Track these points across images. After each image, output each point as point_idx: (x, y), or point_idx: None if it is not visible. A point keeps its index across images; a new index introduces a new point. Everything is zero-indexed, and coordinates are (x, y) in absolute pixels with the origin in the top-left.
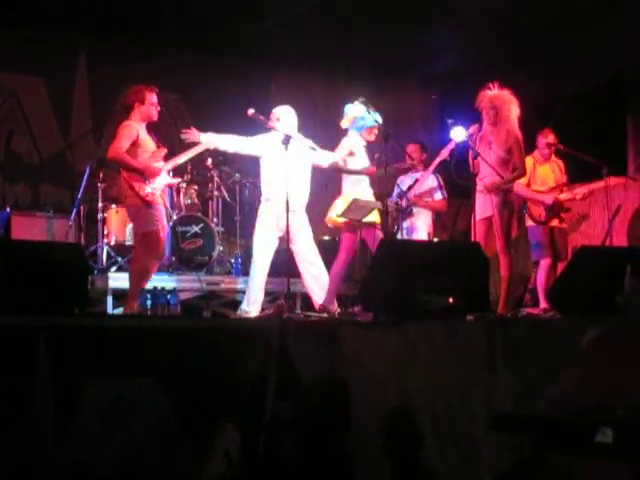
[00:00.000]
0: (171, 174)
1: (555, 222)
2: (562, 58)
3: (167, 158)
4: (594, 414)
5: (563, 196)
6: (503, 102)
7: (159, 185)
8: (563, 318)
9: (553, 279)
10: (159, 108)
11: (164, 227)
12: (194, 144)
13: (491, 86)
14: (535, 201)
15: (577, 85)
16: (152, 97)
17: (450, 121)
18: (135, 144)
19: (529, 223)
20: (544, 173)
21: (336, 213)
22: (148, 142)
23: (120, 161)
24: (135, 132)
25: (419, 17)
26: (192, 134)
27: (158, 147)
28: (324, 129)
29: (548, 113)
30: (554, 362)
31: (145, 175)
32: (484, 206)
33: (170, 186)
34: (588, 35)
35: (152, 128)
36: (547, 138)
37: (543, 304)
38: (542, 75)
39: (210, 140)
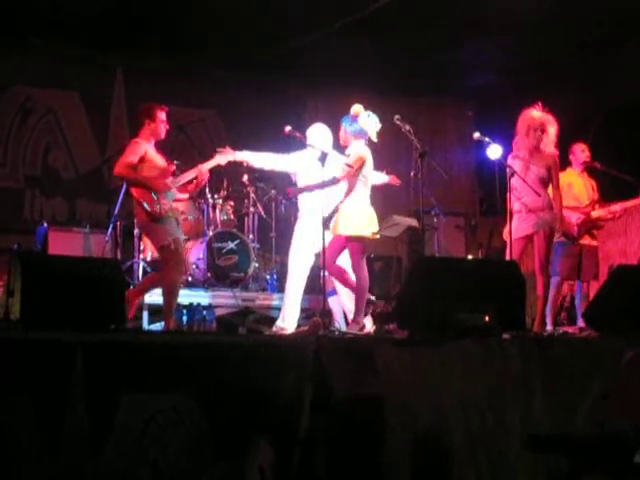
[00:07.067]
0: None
1: (586, 239)
2: (597, 74)
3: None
4: (633, 434)
5: (595, 213)
6: (549, 124)
7: (168, 200)
8: (599, 337)
9: (559, 299)
10: (168, 127)
11: (177, 240)
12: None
13: (536, 106)
14: (566, 217)
15: (612, 102)
16: (162, 115)
17: (486, 139)
18: (143, 160)
19: (560, 238)
20: (578, 189)
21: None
22: (157, 159)
23: (125, 176)
24: (143, 149)
25: (454, 34)
26: (227, 152)
27: (168, 164)
28: None
29: (582, 130)
30: (590, 381)
31: (153, 190)
32: (521, 225)
33: (179, 201)
34: (622, 51)
35: (189, 143)
36: (581, 150)
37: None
38: (577, 91)
39: (245, 158)
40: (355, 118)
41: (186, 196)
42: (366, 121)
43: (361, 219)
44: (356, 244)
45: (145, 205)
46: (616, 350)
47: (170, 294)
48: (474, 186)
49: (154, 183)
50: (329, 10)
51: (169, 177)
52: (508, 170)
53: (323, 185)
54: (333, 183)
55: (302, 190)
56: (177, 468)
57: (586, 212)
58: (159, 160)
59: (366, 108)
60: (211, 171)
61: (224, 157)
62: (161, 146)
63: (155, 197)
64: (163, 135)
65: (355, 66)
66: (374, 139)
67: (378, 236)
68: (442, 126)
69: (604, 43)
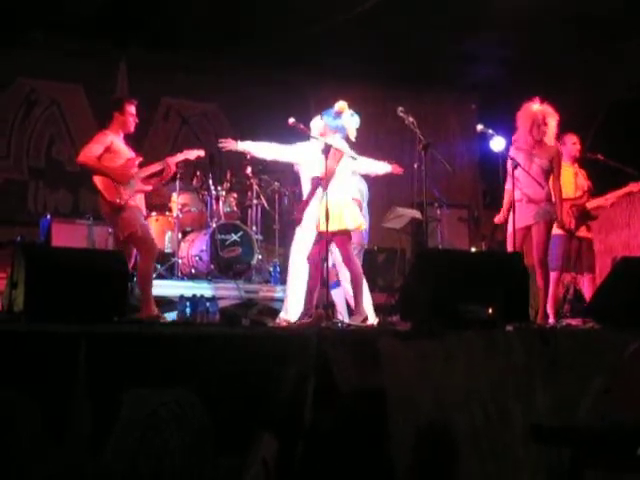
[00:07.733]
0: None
1: (582, 232)
2: (597, 72)
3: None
4: (636, 427)
5: (591, 204)
6: (549, 117)
7: (130, 191)
8: (602, 329)
9: (560, 292)
10: (137, 120)
11: (143, 225)
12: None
13: (535, 99)
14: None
15: (613, 100)
16: (131, 108)
17: (489, 131)
18: (108, 150)
19: (556, 232)
20: (566, 180)
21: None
22: (123, 150)
23: (88, 166)
24: (109, 140)
25: (458, 28)
26: (229, 143)
27: (136, 156)
28: (363, 138)
29: (583, 127)
30: (593, 373)
31: (115, 179)
32: (521, 215)
33: (141, 192)
34: (622, 50)
35: (192, 135)
36: (572, 142)
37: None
38: (578, 89)
39: (247, 148)
40: (339, 114)
41: (149, 188)
42: (349, 119)
43: (343, 213)
44: (342, 238)
45: (105, 195)
46: (619, 342)
47: (145, 282)
48: (477, 178)
49: (115, 173)
50: (332, 3)
51: (133, 168)
52: (510, 162)
53: (314, 190)
54: (319, 183)
55: (304, 207)
56: (179, 463)
57: (581, 203)
58: (125, 152)
59: (369, 102)
60: (212, 162)
61: (194, 152)
62: (164, 138)
63: (118, 187)
64: (132, 128)
65: (358, 60)
66: (352, 138)
67: (364, 227)
68: (445, 119)
69: (604, 42)
